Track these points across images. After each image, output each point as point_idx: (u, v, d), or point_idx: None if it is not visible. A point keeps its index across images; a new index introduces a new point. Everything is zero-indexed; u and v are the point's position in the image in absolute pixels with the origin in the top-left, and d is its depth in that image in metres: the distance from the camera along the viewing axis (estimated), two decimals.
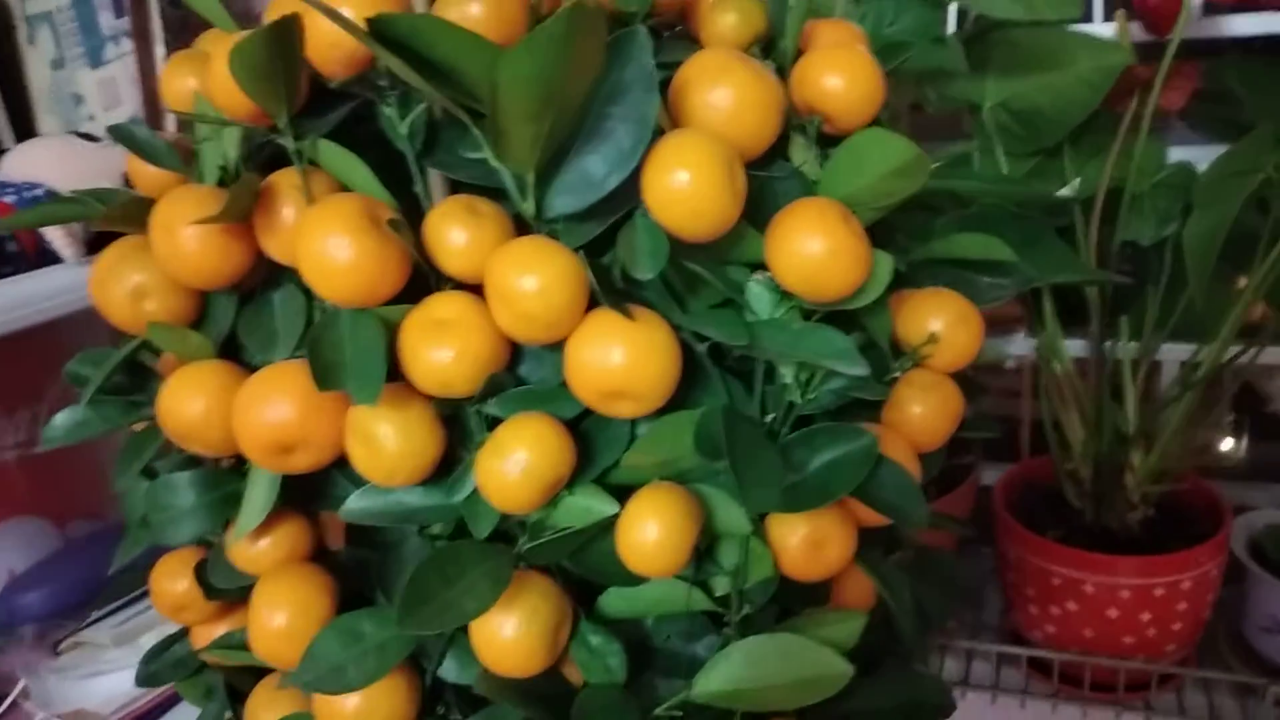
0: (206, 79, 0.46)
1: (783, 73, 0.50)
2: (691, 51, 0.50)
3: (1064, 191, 0.81)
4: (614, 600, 0.46)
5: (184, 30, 0.81)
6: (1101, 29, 0.79)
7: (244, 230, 0.45)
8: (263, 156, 0.47)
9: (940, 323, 0.50)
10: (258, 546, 0.47)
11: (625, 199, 0.41)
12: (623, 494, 0.45)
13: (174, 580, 0.50)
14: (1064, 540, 0.77)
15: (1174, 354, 0.84)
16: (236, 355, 0.47)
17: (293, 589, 0.46)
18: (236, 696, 0.52)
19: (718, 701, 0.44)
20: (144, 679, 0.54)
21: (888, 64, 0.51)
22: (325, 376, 0.39)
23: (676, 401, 0.43)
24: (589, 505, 0.44)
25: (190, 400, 0.44)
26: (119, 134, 0.51)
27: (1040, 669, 0.81)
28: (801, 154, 0.47)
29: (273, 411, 0.42)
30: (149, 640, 0.82)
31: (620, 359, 0.40)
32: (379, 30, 0.35)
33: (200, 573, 0.49)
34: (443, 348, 0.40)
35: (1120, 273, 0.76)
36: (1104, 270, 0.75)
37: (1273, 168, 0.75)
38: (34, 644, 0.89)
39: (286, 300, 0.46)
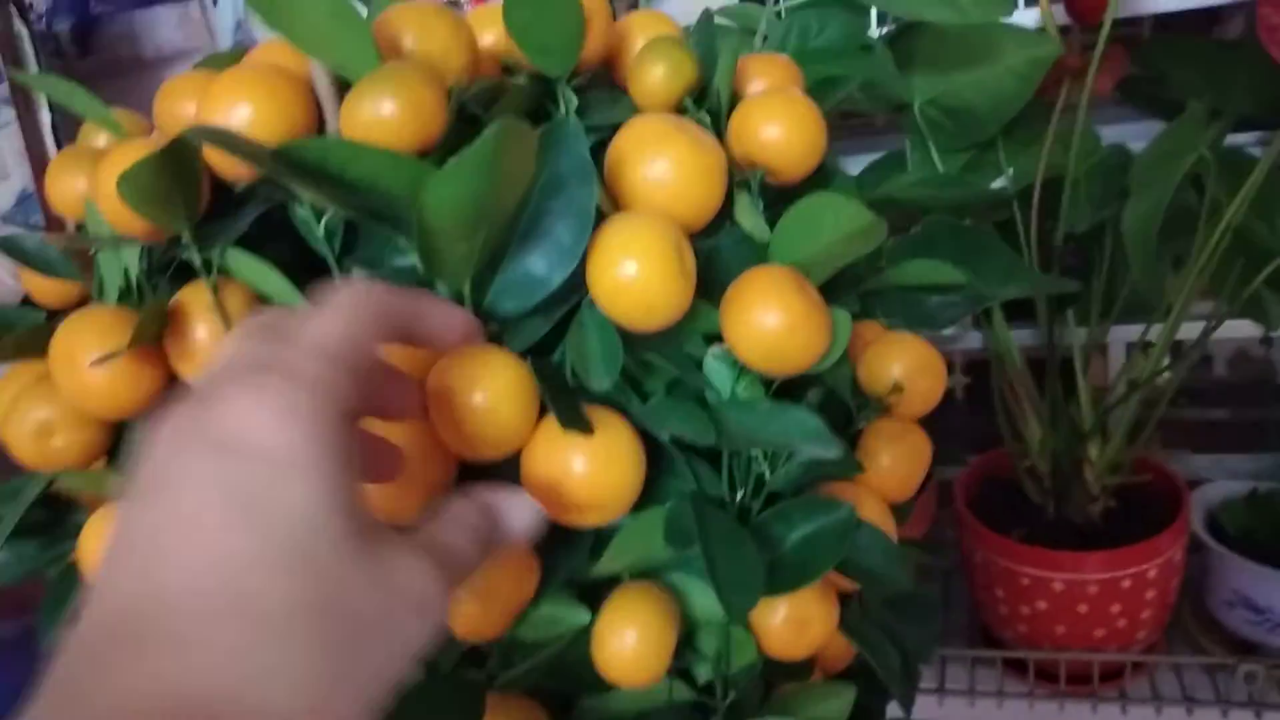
0: (95, 187, 0.42)
1: (717, 121, 0.47)
2: (619, 107, 0.47)
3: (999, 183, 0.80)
4: (592, 706, 0.43)
5: None
6: (1022, 16, 0.77)
7: (154, 353, 0.41)
8: (169, 266, 0.43)
9: (902, 370, 0.48)
10: None
11: (570, 292, 0.38)
12: (591, 593, 0.42)
13: None
14: (1029, 539, 0.76)
15: (1122, 335, 0.84)
16: None
17: None
18: None
19: None
20: None
21: (825, 103, 0.48)
22: None
23: (642, 493, 0.40)
24: (558, 615, 0.41)
25: None
26: (6, 248, 0.46)
27: (1015, 667, 0.80)
28: (748, 215, 0.44)
29: None
30: None
31: (581, 470, 0.37)
32: (287, 159, 0.32)
33: None
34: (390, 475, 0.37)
35: (1065, 268, 0.75)
36: (1049, 269, 0.74)
37: (1206, 146, 0.74)
38: None
39: None
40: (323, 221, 0.40)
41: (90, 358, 0.39)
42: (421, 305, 0.32)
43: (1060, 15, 0.77)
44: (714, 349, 0.43)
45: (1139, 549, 0.74)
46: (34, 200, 0.80)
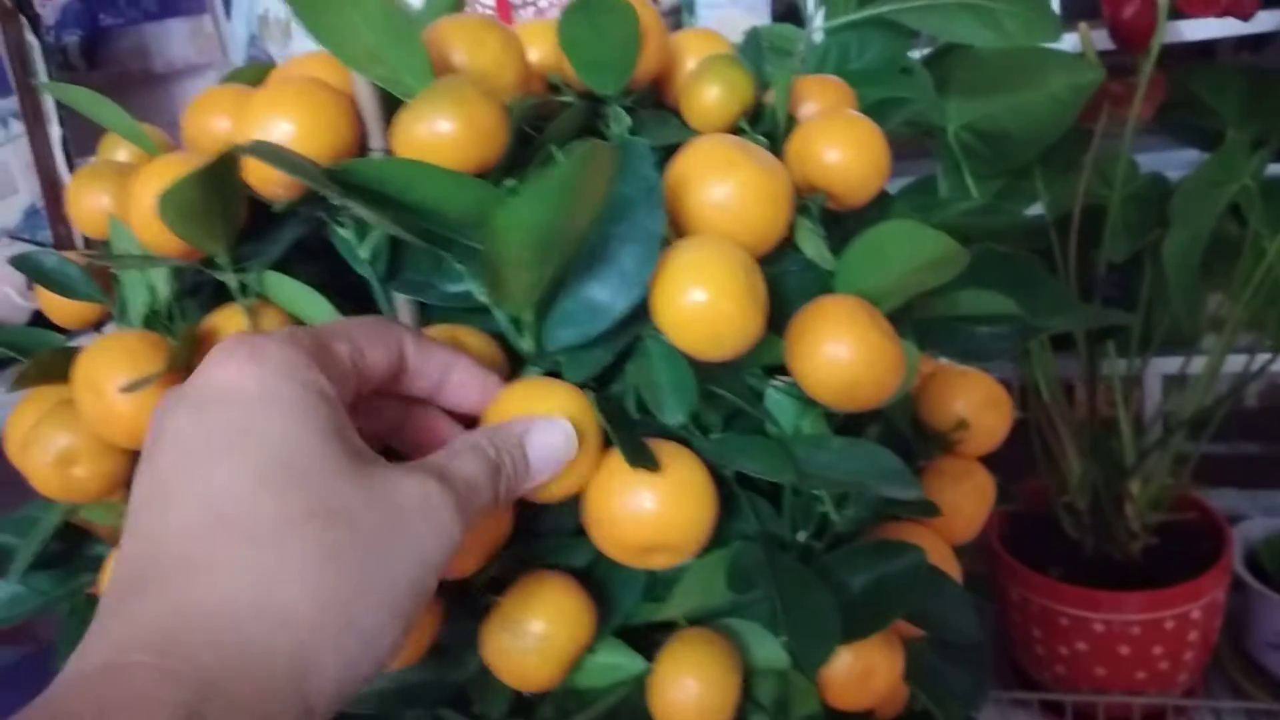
0: (124, 205, 0.39)
1: (774, 143, 0.45)
2: (669, 127, 0.45)
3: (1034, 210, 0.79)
4: None
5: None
6: (1061, 41, 0.76)
7: (182, 380, 0.38)
8: (199, 287, 0.41)
9: (967, 405, 0.46)
10: None
11: (634, 322, 0.36)
12: (644, 637, 0.40)
13: None
14: (1068, 577, 0.74)
15: (1157, 367, 0.82)
16: None
17: None
18: None
19: None
20: None
21: (884, 124, 0.46)
22: None
23: None
24: (614, 663, 0.39)
25: None
26: (25, 267, 0.44)
27: (1052, 709, 0.78)
28: (809, 241, 0.42)
29: None
30: None
31: (652, 509, 0.34)
32: (344, 179, 0.29)
33: None
34: None
35: (1106, 298, 0.73)
36: (1090, 299, 0.72)
37: (1249, 176, 0.73)
38: None
39: None
40: (367, 243, 0.38)
41: (118, 384, 0.37)
42: (421, 341, 0.33)
43: (1100, 40, 0.76)
44: (776, 381, 0.41)
45: (1183, 589, 0.72)
46: (42, 216, 0.78)
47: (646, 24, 0.41)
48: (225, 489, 0.26)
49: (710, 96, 0.43)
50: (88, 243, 0.49)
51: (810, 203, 0.43)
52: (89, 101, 0.43)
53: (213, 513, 0.26)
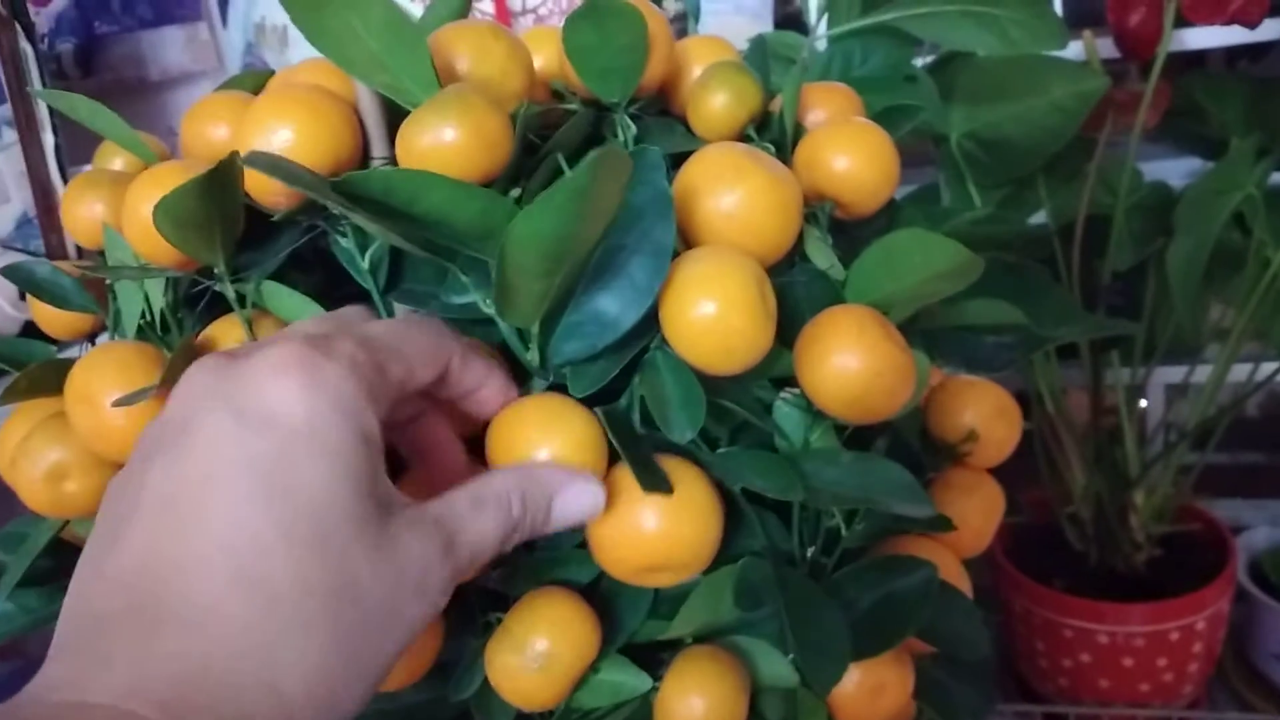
0: (120, 214, 0.39)
1: (781, 151, 0.44)
2: (675, 135, 0.44)
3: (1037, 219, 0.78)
4: None
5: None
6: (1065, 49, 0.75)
7: None
8: (196, 298, 0.40)
9: (977, 416, 0.45)
10: None
11: (641, 333, 0.35)
12: (649, 655, 0.39)
13: None
14: (1071, 589, 0.73)
15: (1159, 377, 0.82)
16: None
17: None
18: None
19: None
20: None
21: (893, 132, 0.46)
22: None
23: None
24: (618, 681, 0.38)
25: None
26: (16, 277, 0.43)
27: None
28: (819, 250, 0.41)
29: None
30: None
31: (656, 527, 0.34)
32: (349, 191, 0.29)
33: None
34: None
35: (1110, 306, 0.73)
36: (1094, 308, 0.72)
37: (1253, 185, 0.72)
38: None
39: None
40: (368, 254, 0.37)
41: (111, 397, 0.36)
42: (467, 354, 0.32)
43: (1104, 49, 0.75)
44: (785, 393, 0.40)
45: (1187, 600, 0.71)
46: (34, 225, 0.77)
47: (654, 31, 0.41)
48: (252, 536, 0.25)
49: (717, 104, 0.42)
50: (81, 252, 0.48)
51: (819, 211, 0.43)
52: (86, 109, 0.42)
53: (235, 560, 0.24)
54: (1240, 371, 0.77)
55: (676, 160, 0.40)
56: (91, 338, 0.46)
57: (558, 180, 0.27)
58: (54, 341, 0.46)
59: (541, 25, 0.81)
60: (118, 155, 0.46)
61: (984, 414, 0.45)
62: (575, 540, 0.37)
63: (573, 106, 0.43)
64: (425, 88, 0.35)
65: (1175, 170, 0.83)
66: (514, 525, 0.30)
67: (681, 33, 0.69)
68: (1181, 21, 0.69)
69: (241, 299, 0.38)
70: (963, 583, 0.43)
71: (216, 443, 0.26)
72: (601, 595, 0.38)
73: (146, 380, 0.36)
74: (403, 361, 0.29)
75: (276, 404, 0.26)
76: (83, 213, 0.43)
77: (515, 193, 0.35)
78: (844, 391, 0.37)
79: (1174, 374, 0.80)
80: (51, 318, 0.44)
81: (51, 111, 0.70)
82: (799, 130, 0.45)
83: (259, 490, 0.25)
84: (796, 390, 0.39)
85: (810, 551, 0.41)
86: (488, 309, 0.34)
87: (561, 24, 0.40)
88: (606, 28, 0.39)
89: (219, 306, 0.39)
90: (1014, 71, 0.71)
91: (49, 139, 0.69)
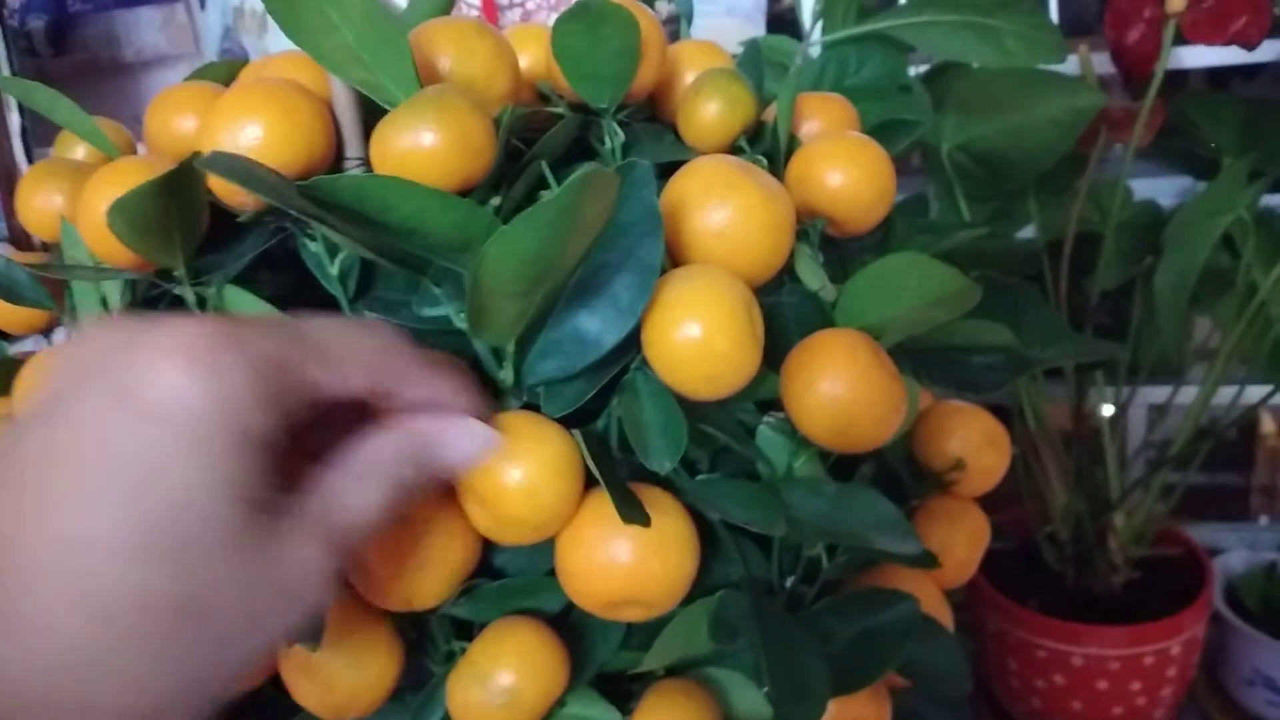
0: (76, 209, 0.37)
1: (774, 164, 0.43)
2: (664, 145, 0.43)
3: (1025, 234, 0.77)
4: None
5: None
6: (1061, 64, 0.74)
7: None
8: (155, 299, 0.38)
9: (964, 444, 0.44)
10: None
11: (621, 353, 0.33)
12: (618, 687, 0.38)
13: None
14: (1047, 609, 0.72)
15: (1142, 397, 0.81)
16: None
17: None
18: None
19: None
20: None
21: (890, 148, 0.44)
22: None
23: None
24: (586, 716, 0.36)
25: None
26: None
27: None
28: (809, 270, 0.40)
29: None
30: None
31: (629, 560, 0.32)
32: (317, 197, 0.27)
33: None
34: (409, 558, 0.32)
35: (1097, 326, 0.72)
36: (1081, 327, 0.71)
37: (1244, 207, 0.72)
38: None
39: None
40: (337, 260, 0.35)
41: None
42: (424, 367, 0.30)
43: (1099, 65, 0.74)
44: (769, 418, 0.38)
45: (1163, 625, 0.70)
46: None
47: (647, 35, 0.39)
48: (96, 540, 0.23)
49: (709, 112, 0.41)
50: (45, 246, 0.46)
51: (810, 228, 0.41)
52: (44, 98, 0.40)
53: (73, 564, 0.23)
54: (1225, 394, 0.76)
55: (663, 170, 0.38)
56: (47, 333, 0.44)
57: (540, 199, 0.25)
58: (6, 337, 0.44)
59: (529, 21, 0.79)
60: (80, 144, 0.44)
61: (972, 442, 0.44)
62: (545, 568, 0.36)
63: (559, 110, 0.41)
64: (404, 86, 0.33)
65: (1166, 189, 0.83)
66: (402, 487, 0.28)
67: (674, 35, 0.67)
68: (1178, 39, 0.69)
69: (202, 302, 0.36)
70: (944, 615, 0.42)
71: (87, 424, 0.24)
72: (571, 625, 0.37)
73: None
74: (327, 363, 0.27)
75: (160, 392, 0.24)
76: (40, 204, 0.41)
77: (495, 202, 0.34)
78: (832, 420, 0.35)
79: (1158, 394, 0.79)
80: (5, 312, 0.42)
81: None
82: (793, 142, 0.44)
83: (116, 487, 0.23)
84: (781, 414, 0.38)
85: (790, 581, 0.39)
86: (461, 324, 0.32)
87: (549, 20, 0.39)
88: (598, 31, 0.37)
89: (180, 308, 0.37)
90: (1008, 84, 0.70)
91: (14, 119, 0.67)
